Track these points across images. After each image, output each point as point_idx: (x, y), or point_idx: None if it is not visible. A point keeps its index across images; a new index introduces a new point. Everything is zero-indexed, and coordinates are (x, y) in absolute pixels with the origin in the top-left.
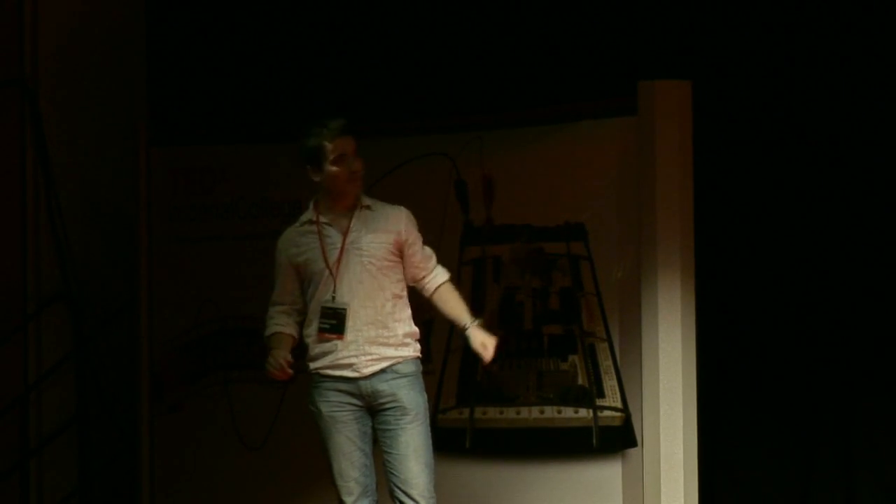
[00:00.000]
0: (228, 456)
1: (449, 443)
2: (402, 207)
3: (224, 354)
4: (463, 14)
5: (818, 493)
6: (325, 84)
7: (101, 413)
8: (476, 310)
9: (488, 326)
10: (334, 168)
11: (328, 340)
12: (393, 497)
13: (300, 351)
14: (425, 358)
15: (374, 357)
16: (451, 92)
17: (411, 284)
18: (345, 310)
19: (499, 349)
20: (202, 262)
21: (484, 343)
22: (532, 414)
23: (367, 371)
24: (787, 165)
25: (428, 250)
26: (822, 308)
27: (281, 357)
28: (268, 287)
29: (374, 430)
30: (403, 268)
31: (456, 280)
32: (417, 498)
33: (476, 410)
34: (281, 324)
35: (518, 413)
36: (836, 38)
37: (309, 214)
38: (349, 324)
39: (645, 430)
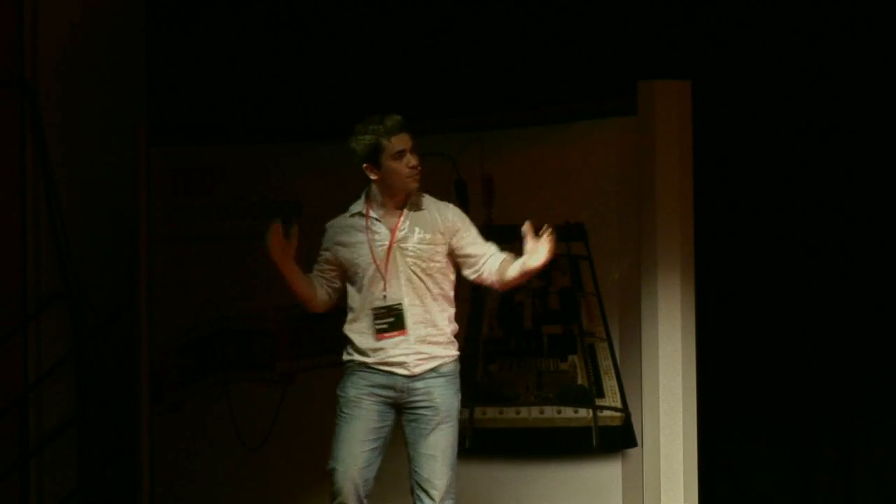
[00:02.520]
0: (228, 456)
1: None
2: (449, 204)
3: (223, 354)
4: (462, 14)
5: (818, 492)
6: (325, 84)
7: (100, 413)
8: (476, 310)
9: (488, 326)
10: (394, 164)
11: (382, 339)
12: (413, 494)
13: (301, 350)
14: None
15: (425, 356)
16: (451, 92)
17: (472, 277)
18: (400, 305)
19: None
20: (202, 262)
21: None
22: (532, 414)
23: (418, 370)
24: (788, 165)
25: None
26: (823, 307)
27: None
28: (267, 287)
29: (402, 426)
30: (458, 262)
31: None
32: (436, 498)
33: (476, 410)
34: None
35: (518, 413)
36: (836, 37)
37: (359, 206)
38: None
39: (645, 429)
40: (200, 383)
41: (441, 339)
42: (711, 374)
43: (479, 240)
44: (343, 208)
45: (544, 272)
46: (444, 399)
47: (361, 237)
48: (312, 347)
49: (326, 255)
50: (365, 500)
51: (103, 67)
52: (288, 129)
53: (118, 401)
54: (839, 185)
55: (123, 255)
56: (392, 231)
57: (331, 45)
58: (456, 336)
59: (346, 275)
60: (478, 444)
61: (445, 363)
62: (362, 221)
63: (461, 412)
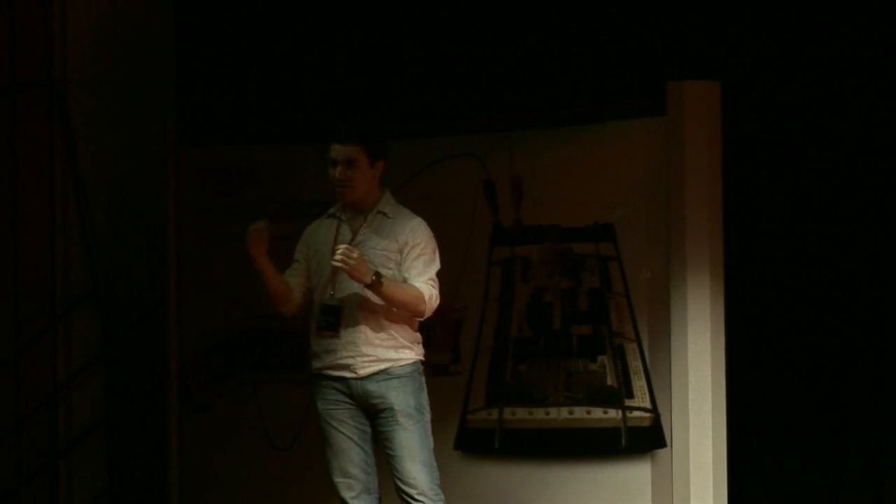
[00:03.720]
0: (257, 456)
1: (478, 443)
2: (418, 219)
3: (252, 355)
4: (492, 15)
5: (847, 492)
6: (355, 85)
7: (129, 413)
8: (505, 310)
9: (517, 327)
10: (329, 171)
11: (327, 338)
12: (398, 496)
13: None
14: (454, 358)
15: (371, 358)
16: (480, 92)
17: None
18: (340, 306)
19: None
20: (230, 262)
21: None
22: (561, 414)
23: (363, 372)
24: (816, 165)
25: (429, 266)
26: (852, 307)
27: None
28: None
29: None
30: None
31: (487, 279)
32: (418, 497)
33: (505, 411)
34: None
35: (547, 414)
36: (865, 38)
37: (336, 208)
38: (347, 323)
39: (674, 430)
40: (229, 383)
41: (390, 342)
42: (740, 374)
43: (417, 265)
44: None
45: (573, 273)
46: (399, 399)
47: (327, 237)
48: None
49: (299, 252)
50: (376, 494)
51: (132, 68)
52: (316, 130)
53: (147, 401)
54: (869, 187)
55: (152, 255)
56: (354, 233)
57: (360, 46)
58: (419, 342)
59: (310, 274)
60: (507, 444)
61: (396, 366)
62: (334, 222)
63: (489, 412)
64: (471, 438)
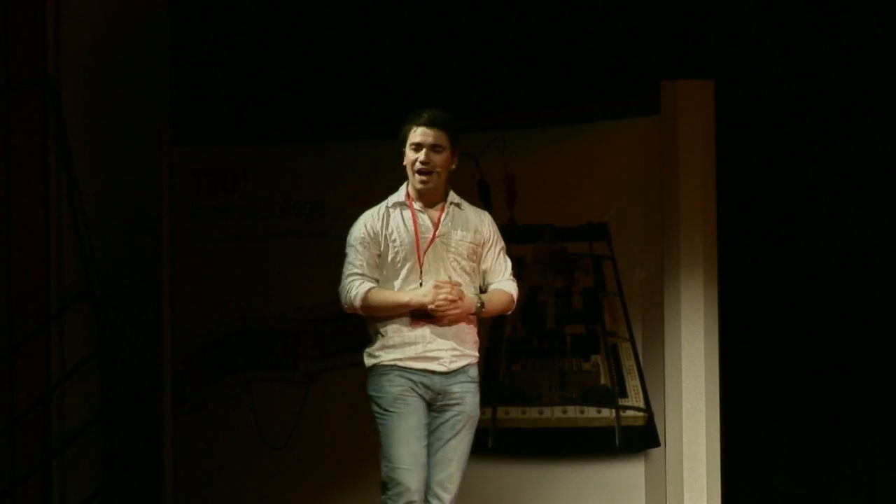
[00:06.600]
0: (251, 456)
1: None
2: (485, 211)
3: (246, 354)
4: (486, 14)
5: (841, 491)
6: (348, 84)
7: (123, 413)
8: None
9: (511, 326)
10: (409, 154)
11: (418, 327)
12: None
13: (324, 350)
14: None
15: (458, 353)
16: (475, 92)
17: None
18: None
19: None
20: (225, 261)
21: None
22: (555, 414)
23: (454, 366)
24: (811, 164)
25: (508, 261)
26: (846, 306)
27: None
28: (290, 286)
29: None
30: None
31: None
32: (446, 500)
33: (499, 410)
34: (374, 284)
35: (541, 413)
36: (859, 37)
37: (400, 197)
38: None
39: (668, 429)
40: (223, 383)
41: (469, 337)
42: (734, 373)
43: (500, 263)
44: (365, 207)
45: (567, 272)
46: (473, 406)
47: (405, 227)
48: (335, 347)
49: (367, 248)
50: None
51: (126, 67)
52: (310, 129)
53: (141, 400)
54: (862, 185)
55: (146, 254)
56: (435, 224)
57: (354, 45)
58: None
59: (383, 266)
60: (501, 444)
61: (471, 364)
62: (406, 212)
63: (483, 412)
64: None
